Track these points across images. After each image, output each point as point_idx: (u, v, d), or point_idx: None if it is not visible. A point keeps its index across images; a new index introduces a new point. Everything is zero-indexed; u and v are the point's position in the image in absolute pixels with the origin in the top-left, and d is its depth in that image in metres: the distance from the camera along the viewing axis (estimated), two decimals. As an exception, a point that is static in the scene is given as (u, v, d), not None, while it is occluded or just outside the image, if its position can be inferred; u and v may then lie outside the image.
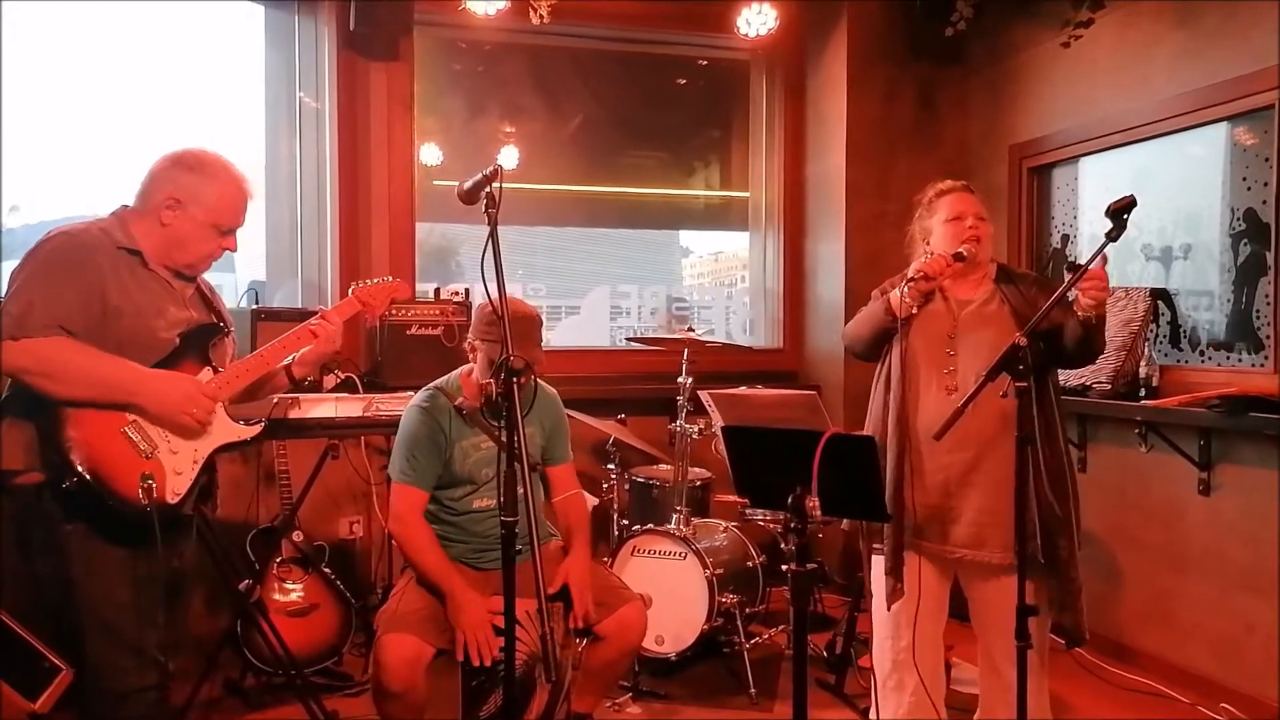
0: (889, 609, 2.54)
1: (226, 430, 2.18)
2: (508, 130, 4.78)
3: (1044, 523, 2.37)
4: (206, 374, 2.16)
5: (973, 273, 2.56)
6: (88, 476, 1.94)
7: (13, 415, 2.01)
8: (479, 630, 2.42)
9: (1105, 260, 2.27)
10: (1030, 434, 2.21)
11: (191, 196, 2.12)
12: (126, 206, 2.17)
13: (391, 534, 2.70)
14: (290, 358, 2.33)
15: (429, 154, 4.57)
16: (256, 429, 2.25)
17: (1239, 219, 3.35)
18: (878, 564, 2.56)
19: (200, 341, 2.17)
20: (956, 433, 2.33)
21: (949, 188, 2.63)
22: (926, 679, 2.53)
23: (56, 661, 2.55)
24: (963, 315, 2.52)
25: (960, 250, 2.47)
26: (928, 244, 2.62)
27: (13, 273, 2.02)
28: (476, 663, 2.41)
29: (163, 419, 2.05)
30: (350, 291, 2.48)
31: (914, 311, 2.51)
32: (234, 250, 2.25)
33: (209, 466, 2.16)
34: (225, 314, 2.33)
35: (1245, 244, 3.32)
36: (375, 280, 2.52)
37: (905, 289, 2.45)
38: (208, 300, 2.30)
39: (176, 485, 2.06)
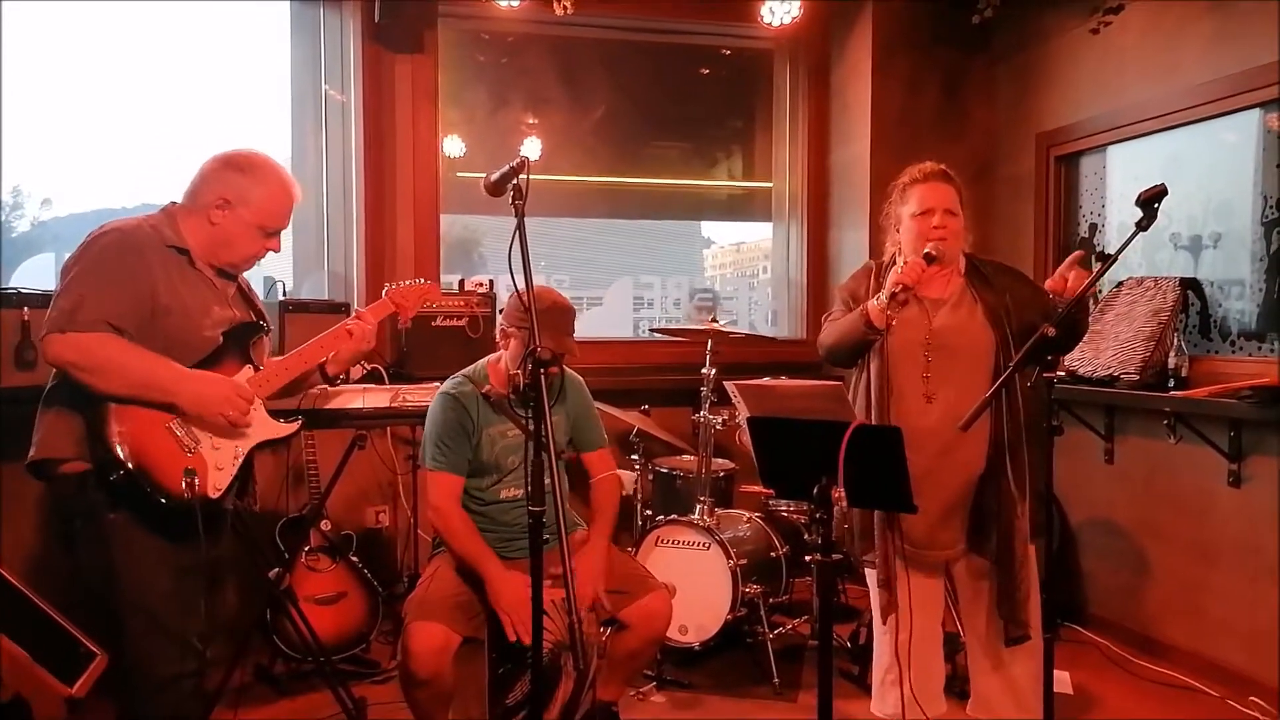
0: (884, 622, 2.54)
1: (266, 428, 2.23)
2: (531, 121, 4.79)
3: (1003, 521, 2.39)
4: (247, 372, 2.21)
5: (941, 270, 2.48)
6: (134, 469, 1.98)
7: (59, 406, 2.06)
8: (520, 609, 2.43)
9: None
10: (1057, 425, 2.21)
11: (240, 198, 2.17)
12: (175, 203, 2.21)
13: (432, 523, 2.73)
14: (326, 356, 2.38)
15: (452, 146, 4.59)
16: (294, 426, 2.29)
17: (1272, 206, 3.30)
18: (871, 575, 2.57)
19: (242, 340, 2.22)
20: (940, 434, 2.35)
21: (922, 175, 2.51)
22: (923, 673, 2.54)
23: (92, 647, 2.61)
24: (936, 318, 2.46)
25: (928, 251, 2.38)
26: (897, 232, 2.56)
27: (65, 266, 2.06)
28: (513, 639, 2.44)
29: (200, 418, 2.09)
30: (384, 293, 2.53)
31: (893, 322, 2.43)
32: (277, 251, 2.30)
33: (248, 462, 2.20)
34: (264, 311, 2.39)
35: (1278, 233, 3.28)
36: (408, 282, 2.57)
37: (884, 300, 2.37)
38: (248, 298, 2.36)
39: (218, 480, 2.11)
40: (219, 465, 2.11)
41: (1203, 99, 3.46)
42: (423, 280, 2.60)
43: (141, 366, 2.01)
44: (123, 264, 2.04)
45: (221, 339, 2.17)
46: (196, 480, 2.01)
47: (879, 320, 2.40)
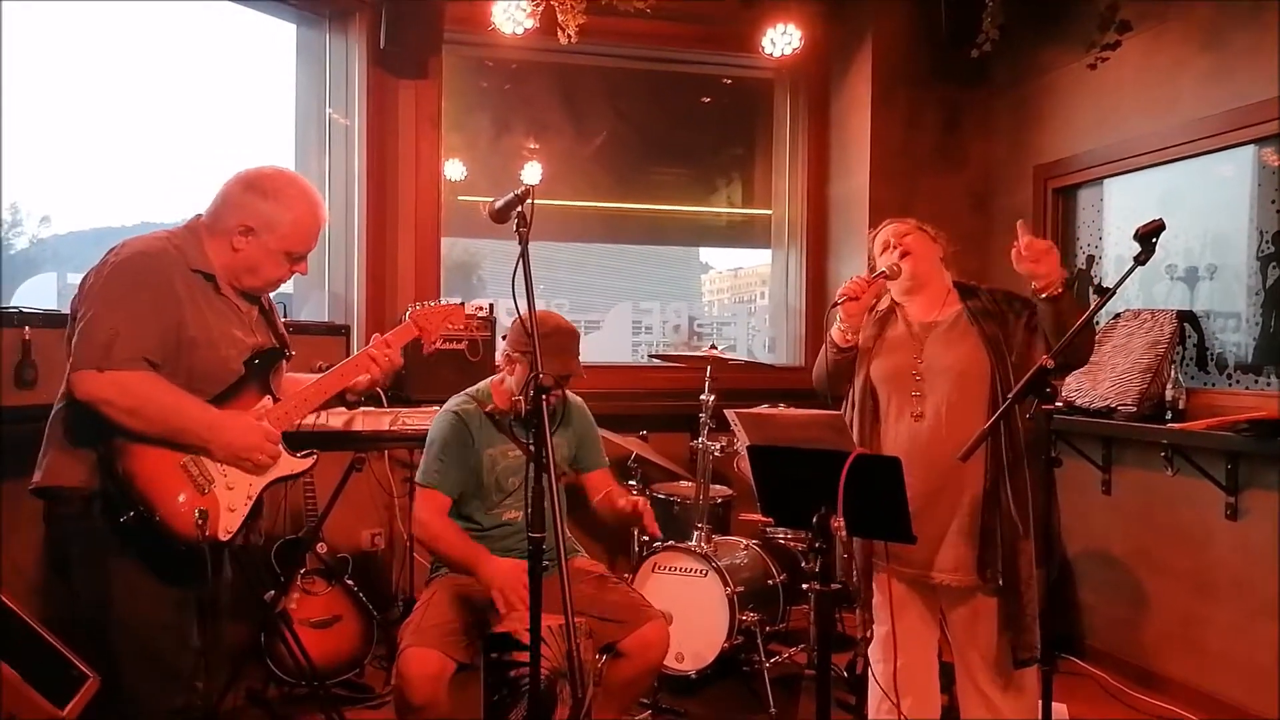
0: (863, 635, 2.58)
1: (282, 464, 2.16)
2: (532, 146, 4.82)
3: (1007, 543, 2.38)
4: (266, 403, 2.15)
5: (924, 290, 2.56)
6: (144, 510, 1.92)
7: (69, 433, 1.99)
8: (513, 584, 2.39)
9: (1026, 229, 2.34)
10: (1055, 458, 2.22)
11: (265, 225, 2.10)
12: (200, 217, 2.13)
13: (414, 535, 2.72)
14: (346, 386, 2.29)
15: (453, 169, 4.62)
16: (309, 461, 2.22)
17: (1268, 241, 3.32)
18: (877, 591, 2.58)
19: (263, 369, 2.15)
20: (929, 458, 2.38)
21: (880, 228, 2.67)
22: (919, 703, 2.54)
23: (84, 669, 2.58)
24: (929, 339, 2.51)
25: (880, 269, 2.52)
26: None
27: (87, 290, 1.98)
28: (504, 612, 2.40)
29: (232, 462, 2.05)
30: (407, 315, 2.43)
31: (849, 338, 2.54)
32: (304, 274, 2.26)
33: (258, 501, 2.14)
34: (285, 335, 2.32)
35: (1274, 266, 3.30)
36: (432, 303, 2.47)
37: (836, 316, 2.51)
38: (270, 320, 2.29)
39: (229, 523, 2.05)
40: (231, 506, 2.05)
41: (1199, 134, 3.50)
42: (447, 301, 2.48)
43: (178, 411, 1.96)
44: (151, 292, 1.97)
45: (244, 369, 2.11)
46: (208, 522, 1.96)
47: (839, 339, 2.54)
